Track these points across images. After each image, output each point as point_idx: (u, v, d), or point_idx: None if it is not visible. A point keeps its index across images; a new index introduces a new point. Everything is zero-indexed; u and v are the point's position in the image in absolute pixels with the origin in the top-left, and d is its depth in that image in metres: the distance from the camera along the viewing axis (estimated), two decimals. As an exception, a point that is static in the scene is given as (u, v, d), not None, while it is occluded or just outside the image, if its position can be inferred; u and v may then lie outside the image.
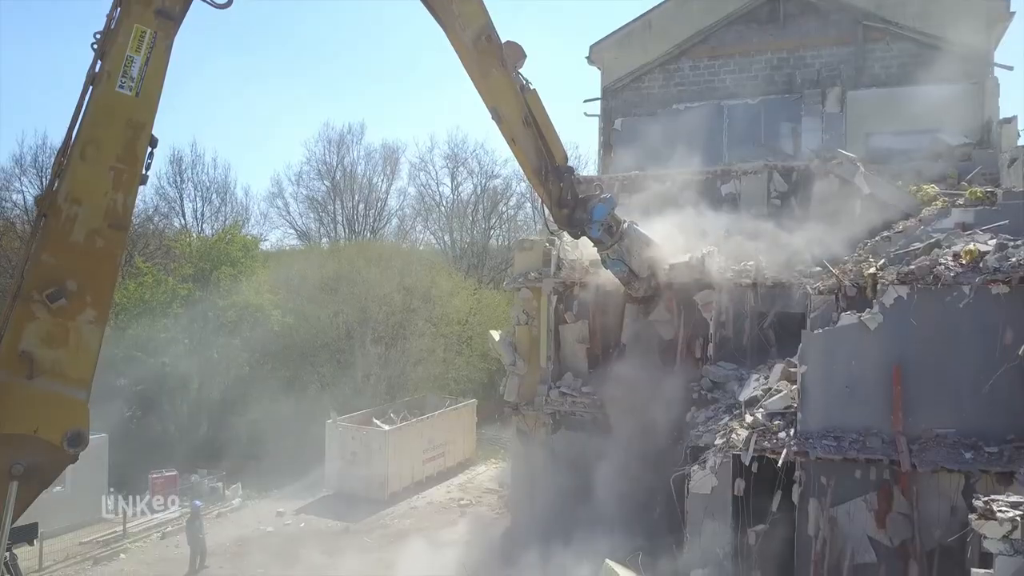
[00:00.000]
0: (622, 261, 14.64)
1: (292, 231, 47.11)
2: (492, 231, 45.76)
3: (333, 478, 25.62)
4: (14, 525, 12.31)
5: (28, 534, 12.21)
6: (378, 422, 26.87)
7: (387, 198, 47.41)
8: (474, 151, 48.16)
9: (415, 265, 35.70)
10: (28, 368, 7.04)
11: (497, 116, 12.37)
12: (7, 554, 10.73)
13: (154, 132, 7.74)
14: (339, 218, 45.30)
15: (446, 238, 46.42)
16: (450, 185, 48.06)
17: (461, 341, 34.65)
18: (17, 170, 34.65)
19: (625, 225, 14.44)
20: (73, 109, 7.35)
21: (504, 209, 46.69)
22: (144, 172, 7.74)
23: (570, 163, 13.80)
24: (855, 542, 11.58)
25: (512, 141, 12.65)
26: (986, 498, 8.70)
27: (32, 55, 62.30)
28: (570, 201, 13.65)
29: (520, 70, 12.52)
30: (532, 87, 12.57)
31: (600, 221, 13.87)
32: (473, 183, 47.55)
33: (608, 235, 14.16)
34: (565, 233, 15.67)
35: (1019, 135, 17.07)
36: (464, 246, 44.59)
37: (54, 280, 7.09)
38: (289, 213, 46.45)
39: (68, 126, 7.38)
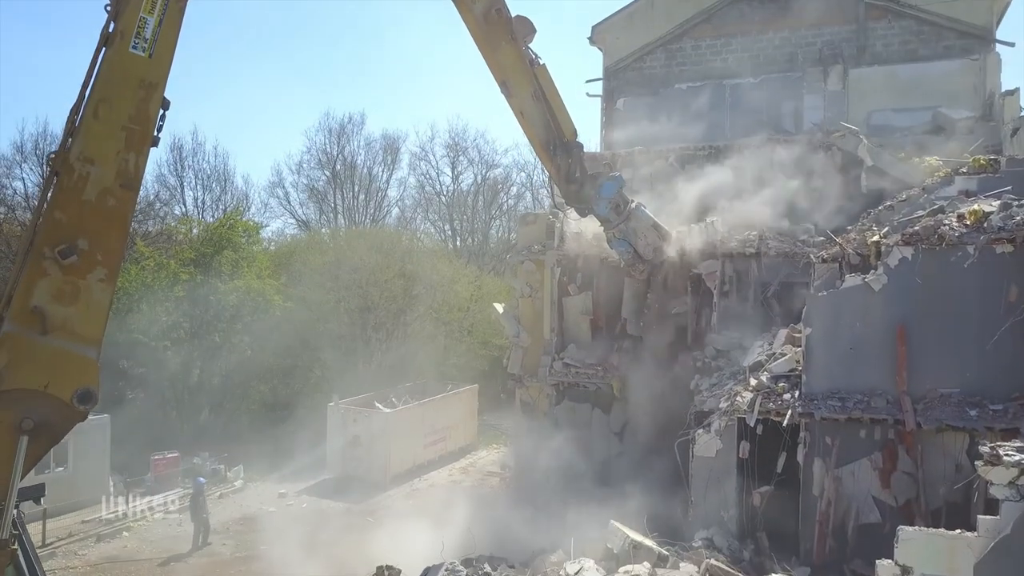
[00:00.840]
0: (627, 242, 14.44)
1: (292, 221, 47.19)
2: (493, 221, 45.83)
3: (335, 461, 25.63)
4: (21, 485, 12.32)
5: (35, 493, 12.25)
6: (379, 405, 26.90)
7: (387, 188, 47.51)
8: (475, 140, 48.31)
9: (415, 252, 35.71)
10: (39, 324, 7.05)
11: (506, 90, 12.38)
12: (15, 511, 10.76)
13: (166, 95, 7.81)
14: (339, 208, 45.33)
15: (447, 228, 46.48)
16: (451, 174, 48.13)
17: (462, 328, 34.64)
18: (18, 157, 34.55)
19: (633, 205, 14.24)
20: (85, 73, 7.38)
21: (504, 199, 46.77)
22: (156, 134, 7.80)
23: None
24: (860, 502, 11.60)
25: (521, 115, 12.64)
26: (992, 444, 8.76)
27: (33, 42, 62.32)
28: (579, 177, 13.54)
29: (530, 45, 12.53)
30: (542, 62, 12.55)
31: (608, 198, 13.72)
32: (474, 172, 47.66)
33: (615, 214, 13.98)
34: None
35: (1022, 108, 17.09)
36: (465, 235, 44.61)
37: (66, 237, 7.11)
38: (290, 203, 46.52)
39: (81, 86, 7.43)
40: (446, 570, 9.76)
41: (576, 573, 8.56)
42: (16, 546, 9.88)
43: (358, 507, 22.72)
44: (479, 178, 47.10)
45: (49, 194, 7.45)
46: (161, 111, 7.74)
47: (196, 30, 67.14)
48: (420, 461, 26.41)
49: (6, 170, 34.36)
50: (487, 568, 9.31)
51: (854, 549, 11.55)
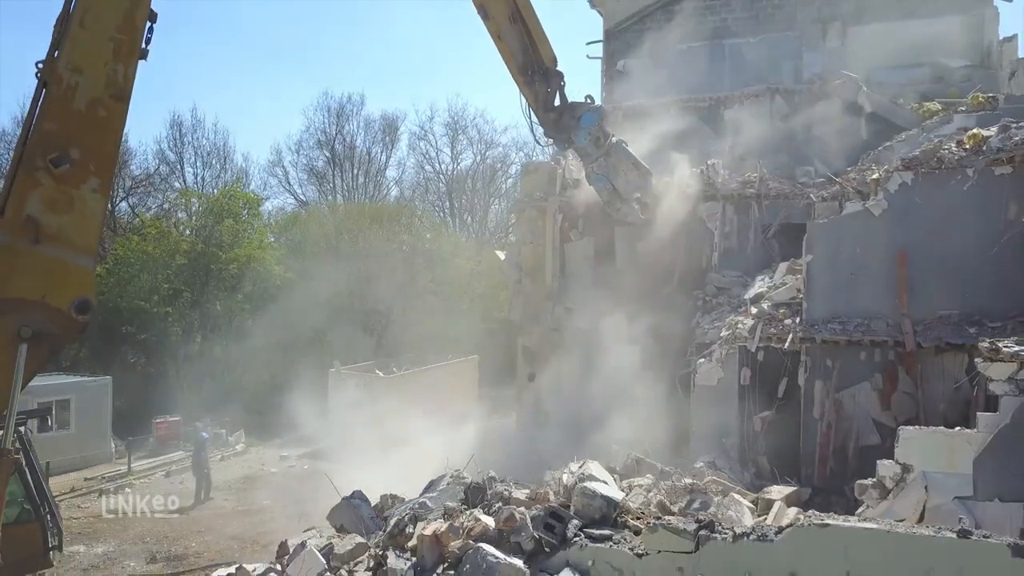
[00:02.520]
0: (606, 177, 14.28)
1: (292, 200, 47.11)
2: (492, 200, 45.85)
3: (336, 426, 25.71)
4: (31, 408, 12.36)
5: (42, 412, 12.35)
6: (380, 373, 27.01)
7: (386, 170, 47.53)
8: (474, 119, 48.29)
9: (415, 227, 35.78)
10: (33, 233, 7.08)
11: (484, 12, 12.23)
12: (21, 429, 10.82)
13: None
14: (338, 188, 45.32)
15: (446, 205, 46.48)
16: (450, 154, 48.08)
17: (463, 302, 34.72)
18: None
19: (613, 140, 14.07)
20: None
21: (503, 179, 46.78)
22: (144, 46, 7.83)
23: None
24: (860, 424, 11.70)
25: (498, 38, 12.50)
26: (991, 340, 8.87)
27: (34, 16, 62.08)
28: (558, 106, 13.36)
29: None
30: None
31: (588, 129, 13.53)
32: (473, 152, 47.62)
33: (595, 146, 13.80)
34: (570, 153, 15.74)
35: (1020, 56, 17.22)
36: (463, 214, 44.60)
37: (57, 147, 7.12)
38: (289, 183, 46.48)
39: None
40: (451, 477, 9.84)
41: (581, 467, 8.66)
42: (21, 457, 9.95)
43: (359, 470, 22.79)
44: (479, 157, 47.16)
45: (39, 106, 7.49)
46: (148, 23, 7.78)
47: (196, 8, 67.33)
48: (420, 428, 26.47)
49: (8, 145, 34.37)
50: (492, 473, 9.40)
51: (854, 471, 11.58)
